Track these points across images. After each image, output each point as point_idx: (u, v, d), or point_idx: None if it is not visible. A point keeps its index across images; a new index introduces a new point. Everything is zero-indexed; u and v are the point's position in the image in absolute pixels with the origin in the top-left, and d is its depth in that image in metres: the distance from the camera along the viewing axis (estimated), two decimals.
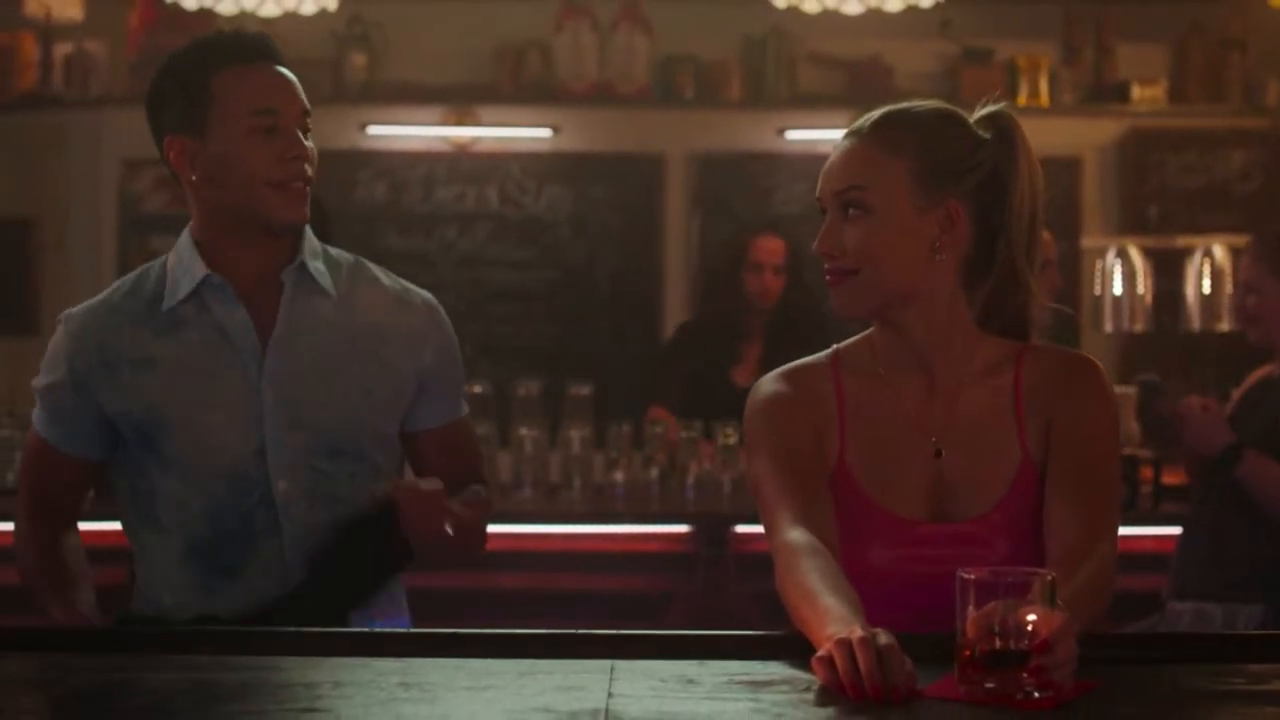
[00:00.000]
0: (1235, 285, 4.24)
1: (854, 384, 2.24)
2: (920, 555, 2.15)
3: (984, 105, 2.29)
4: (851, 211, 2.18)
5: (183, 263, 2.54)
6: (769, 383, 2.26)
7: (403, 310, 2.61)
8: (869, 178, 2.17)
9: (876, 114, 2.23)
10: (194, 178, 2.50)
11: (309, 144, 2.51)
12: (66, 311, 2.61)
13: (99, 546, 2.68)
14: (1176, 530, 4.35)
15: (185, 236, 2.57)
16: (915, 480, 2.19)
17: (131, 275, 2.64)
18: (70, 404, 2.54)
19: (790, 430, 2.20)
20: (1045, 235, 4.15)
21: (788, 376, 2.26)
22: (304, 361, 2.50)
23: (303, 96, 2.52)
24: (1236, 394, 4.25)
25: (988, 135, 2.25)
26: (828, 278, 2.21)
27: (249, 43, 2.52)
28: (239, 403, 2.47)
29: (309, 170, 2.50)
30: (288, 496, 2.47)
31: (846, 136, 2.23)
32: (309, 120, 2.53)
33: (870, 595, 2.00)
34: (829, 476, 2.19)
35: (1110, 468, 2.20)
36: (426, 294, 2.66)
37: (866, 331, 2.28)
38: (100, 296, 2.62)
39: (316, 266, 2.55)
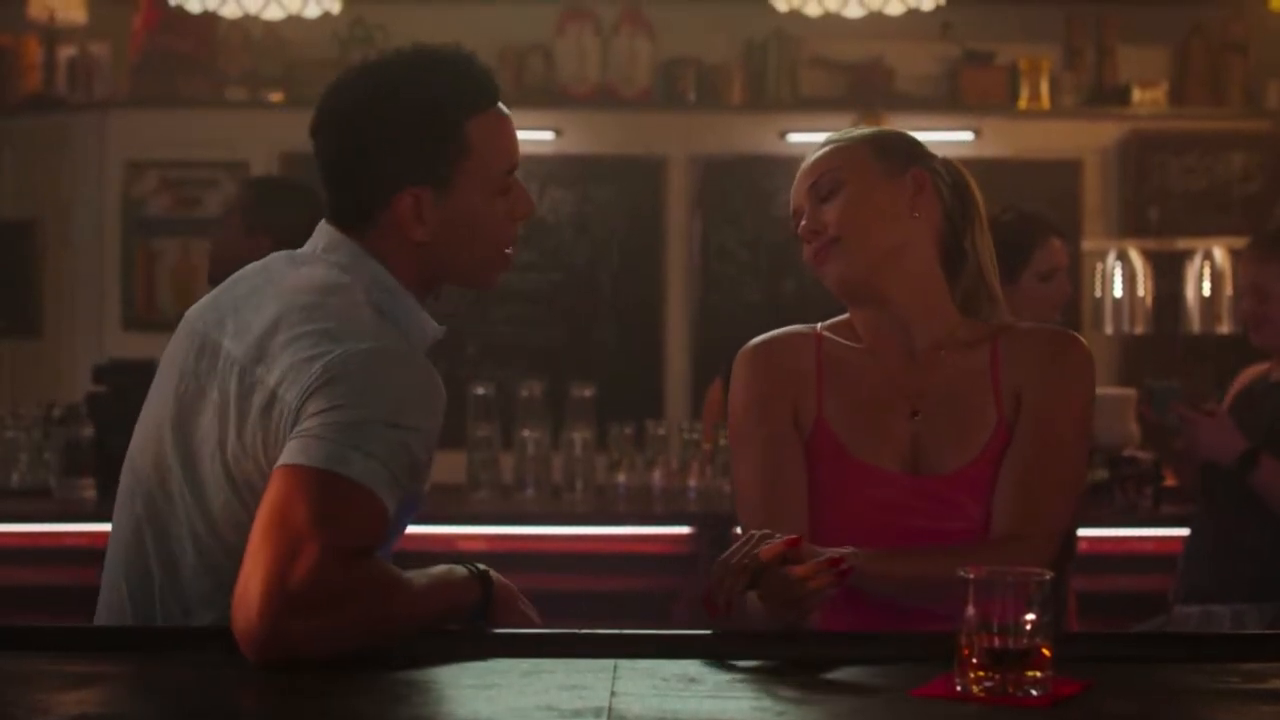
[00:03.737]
0: (1238, 288, 4.20)
1: (835, 350, 2.34)
2: (892, 503, 2.24)
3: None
4: (825, 194, 2.29)
5: (407, 306, 2.12)
6: (746, 364, 2.34)
7: None
8: (834, 162, 2.31)
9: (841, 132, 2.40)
10: (420, 236, 2.09)
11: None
12: (396, 348, 2.01)
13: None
14: (1177, 531, 4.34)
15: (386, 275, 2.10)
16: (891, 438, 2.28)
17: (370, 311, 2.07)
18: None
19: (771, 418, 2.29)
20: (1057, 243, 4.17)
21: (766, 351, 2.35)
22: None
23: None
24: (1229, 394, 4.24)
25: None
26: (814, 259, 2.31)
27: (495, 84, 2.16)
28: None
29: None
30: None
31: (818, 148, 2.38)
32: None
33: (847, 542, 2.09)
34: (808, 435, 2.28)
35: (1066, 454, 2.26)
36: None
37: (845, 315, 2.37)
38: (385, 337, 2.02)
39: None
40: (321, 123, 2.14)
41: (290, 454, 1.88)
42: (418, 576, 1.97)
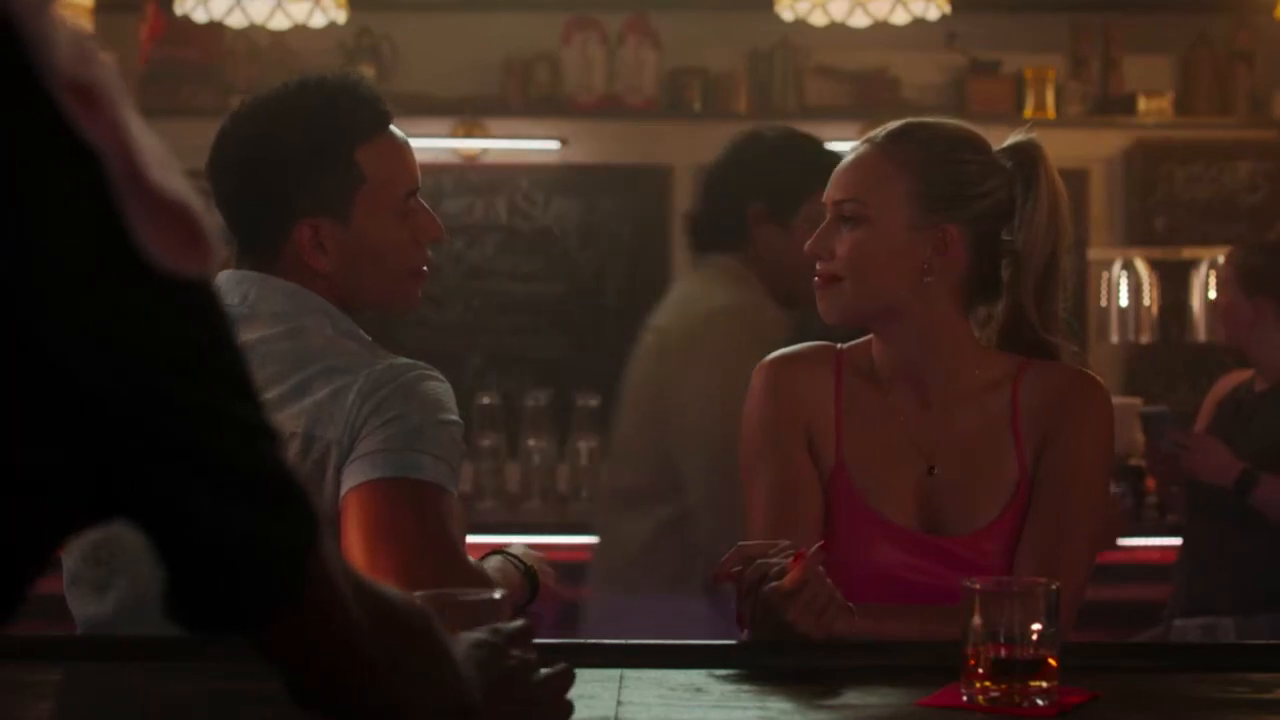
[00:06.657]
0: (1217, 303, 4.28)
1: (854, 383, 2.26)
2: (906, 562, 2.18)
3: (1016, 134, 2.31)
4: (847, 220, 2.20)
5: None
6: (762, 381, 2.27)
7: None
8: (869, 192, 2.19)
9: (896, 124, 2.24)
10: (323, 266, 2.10)
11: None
12: (402, 359, 2.08)
13: None
14: (1177, 541, 4.33)
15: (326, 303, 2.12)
16: (908, 493, 2.21)
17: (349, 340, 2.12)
18: None
19: (782, 443, 2.23)
20: None
21: (784, 370, 2.27)
22: None
23: None
24: (1208, 402, 4.24)
25: (1008, 164, 2.26)
26: (816, 280, 2.23)
27: (384, 107, 2.17)
28: None
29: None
30: None
31: (863, 142, 2.25)
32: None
33: (865, 595, 2.05)
34: (827, 477, 2.22)
35: (1089, 512, 2.19)
36: None
37: (869, 336, 2.30)
38: (380, 354, 2.09)
39: None
40: (214, 161, 2.15)
41: (364, 472, 1.93)
42: (490, 573, 2.02)
